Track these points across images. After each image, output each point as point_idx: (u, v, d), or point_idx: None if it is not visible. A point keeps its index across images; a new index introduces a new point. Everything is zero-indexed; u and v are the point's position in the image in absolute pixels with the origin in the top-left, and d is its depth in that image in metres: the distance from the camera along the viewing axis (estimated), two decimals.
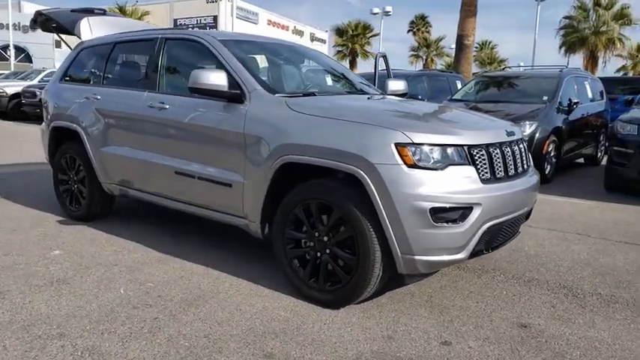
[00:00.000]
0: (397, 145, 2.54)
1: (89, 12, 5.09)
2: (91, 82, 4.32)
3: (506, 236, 2.99)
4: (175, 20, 30.28)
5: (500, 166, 2.80)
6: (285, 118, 2.96)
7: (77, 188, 4.41)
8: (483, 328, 2.66)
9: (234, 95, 3.18)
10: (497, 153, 2.80)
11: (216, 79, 3.11)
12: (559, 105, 7.28)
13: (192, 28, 27.25)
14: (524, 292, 3.17)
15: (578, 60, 29.71)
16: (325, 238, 2.79)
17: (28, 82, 15.50)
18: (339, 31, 37.73)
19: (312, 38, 38.23)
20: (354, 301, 2.80)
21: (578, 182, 7.33)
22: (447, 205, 2.52)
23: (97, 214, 4.37)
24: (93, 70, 4.43)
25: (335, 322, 2.68)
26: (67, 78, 4.64)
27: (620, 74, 32.84)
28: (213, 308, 2.81)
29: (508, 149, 2.91)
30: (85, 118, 4.16)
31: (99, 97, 4.08)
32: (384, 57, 5.28)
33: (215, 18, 29.75)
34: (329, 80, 3.94)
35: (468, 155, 2.64)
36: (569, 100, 7.49)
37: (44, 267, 3.37)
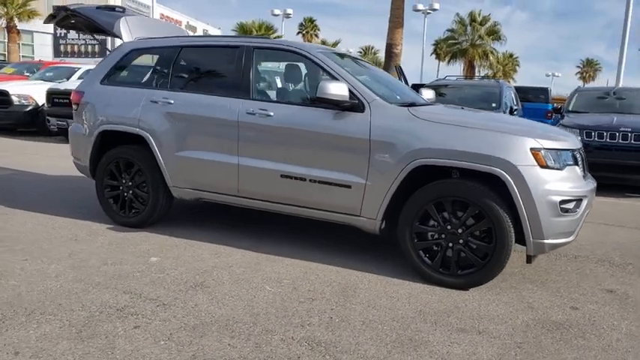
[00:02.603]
0: (532, 149, 3.11)
1: (110, 10, 4.87)
2: (153, 85, 4.20)
3: None
4: (55, 7, 27.56)
5: (586, 167, 3.53)
6: (414, 125, 3.35)
7: (133, 193, 4.26)
8: (586, 295, 3.34)
9: (353, 105, 3.48)
10: (583, 156, 3.52)
11: (341, 90, 3.40)
12: (504, 111, 8.47)
13: None
14: (581, 266, 3.94)
15: (458, 68, 33.45)
16: (459, 231, 3.25)
17: None
18: (244, 30, 37.59)
19: (205, 35, 37.44)
20: (485, 282, 3.30)
21: None
22: (570, 198, 3.15)
23: (158, 219, 4.28)
24: (154, 73, 4.30)
25: (478, 300, 3.16)
26: (111, 79, 4.42)
27: None
28: (368, 297, 3.11)
29: (582, 154, 3.64)
30: (152, 122, 4.05)
31: (172, 102, 4.01)
32: (399, 67, 5.82)
33: None
34: (401, 91, 4.36)
35: (573, 157, 3.31)
36: (510, 106, 8.75)
37: (163, 273, 3.33)
